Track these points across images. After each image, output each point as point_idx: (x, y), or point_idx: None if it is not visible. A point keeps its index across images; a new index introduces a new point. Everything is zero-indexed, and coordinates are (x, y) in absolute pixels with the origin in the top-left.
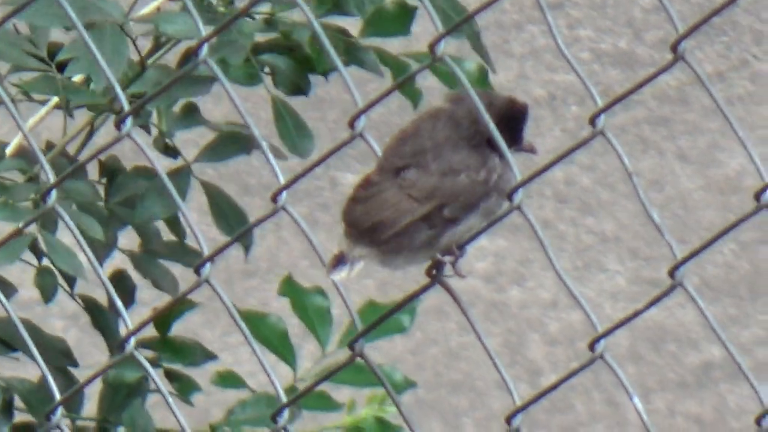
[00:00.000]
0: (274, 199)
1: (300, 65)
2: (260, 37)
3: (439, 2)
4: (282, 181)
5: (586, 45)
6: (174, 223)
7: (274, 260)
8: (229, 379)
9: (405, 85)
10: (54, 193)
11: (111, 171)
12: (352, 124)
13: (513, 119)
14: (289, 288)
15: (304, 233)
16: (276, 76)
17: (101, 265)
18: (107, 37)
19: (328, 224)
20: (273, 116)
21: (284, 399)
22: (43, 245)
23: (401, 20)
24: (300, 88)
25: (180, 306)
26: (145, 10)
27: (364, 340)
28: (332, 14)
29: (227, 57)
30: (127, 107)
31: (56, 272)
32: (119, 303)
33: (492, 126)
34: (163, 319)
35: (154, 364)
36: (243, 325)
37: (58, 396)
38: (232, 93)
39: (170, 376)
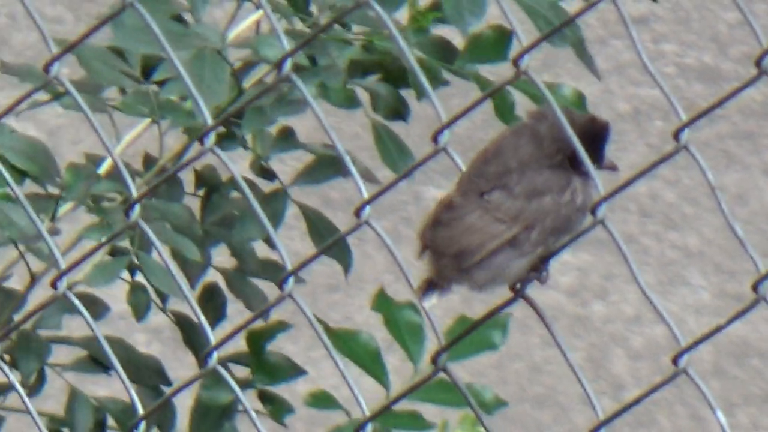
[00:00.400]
0: (358, 213)
1: (397, 85)
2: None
3: (542, 11)
4: (365, 195)
5: (670, 60)
6: (271, 240)
7: (358, 275)
8: (322, 400)
9: (496, 99)
10: (137, 208)
11: (207, 183)
12: (435, 139)
13: (594, 137)
14: (382, 303)
15: (388, 248)
16: (375, 101)
17: (194, 286)
18: (207, 64)
19: (411, 239)
20: (374, 140)
21: (367, 414)
22: (137, 262)
23: (499, 46)
24: (399, 113)
25: (273, 327)
26: (242, 26)
27: (450, 355)
28: (436, 24)
29: (326, 80)
30: (210, 122)
31: (149, 288)
32: (203, 318)
33: (576, 142)
34: (256, 339)
35: (247, 384)
36: (326, 339)
37: (141, 412)
38: (316, 109)
39: (263, 397)
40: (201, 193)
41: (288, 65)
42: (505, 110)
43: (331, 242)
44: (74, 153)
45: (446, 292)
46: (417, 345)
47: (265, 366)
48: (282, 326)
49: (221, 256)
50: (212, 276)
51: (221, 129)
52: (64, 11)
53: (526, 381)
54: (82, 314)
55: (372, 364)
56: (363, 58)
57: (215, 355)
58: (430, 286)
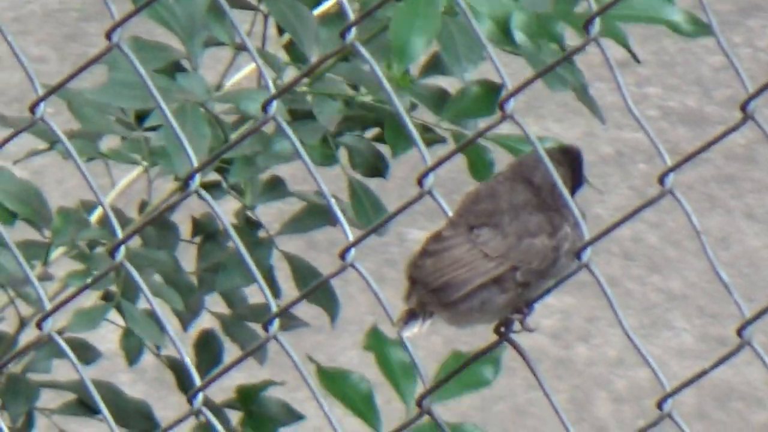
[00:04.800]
0: (343, 256)
1: (374, 140)
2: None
3: (545, 58)
4: (350, 238)
5: (654, 103)
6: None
7: (342, 316)
8: None
9: (472, 155)
10: (122, 250)
11: (203, 231)
12: (420, 182)
13: (574, 165)
14: (374, 341)
15: (372, 290)
16: (353, 158)
17: (185, 330)
18: (188, 119)
19: (395, 280)
20: (349, 197)
21: None
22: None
23: (485, 101)
24: (378, 170)
25: (263, 384)
26: (241, 74)
27: (443, 395)
28: (431, 74)
29: (303, 138)
30: (195, 164)
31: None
32: (187, 359)
33: (564, 191)
34: (247, 394)
35: None
36: (310, 380)
37: None
38: (303, 154)
39: None
40: (197, 240)
41: (274, 106)
42: (480, 167)
43: (316, 285)
44: (59, 192)
45: (426, 323)
46: (408, 384)
47: (257, 418)
48: (271, 383)
49: (220, 302)
50: (210, 321)
51: (210, 178)
52: (48, 51)
53: (510, 423)
54: (68, 358)
55: (362, 406)
56: (344, 113)
57: (200, 397)
58: (411, 316)
